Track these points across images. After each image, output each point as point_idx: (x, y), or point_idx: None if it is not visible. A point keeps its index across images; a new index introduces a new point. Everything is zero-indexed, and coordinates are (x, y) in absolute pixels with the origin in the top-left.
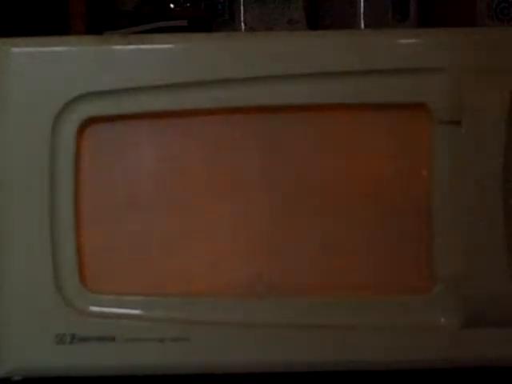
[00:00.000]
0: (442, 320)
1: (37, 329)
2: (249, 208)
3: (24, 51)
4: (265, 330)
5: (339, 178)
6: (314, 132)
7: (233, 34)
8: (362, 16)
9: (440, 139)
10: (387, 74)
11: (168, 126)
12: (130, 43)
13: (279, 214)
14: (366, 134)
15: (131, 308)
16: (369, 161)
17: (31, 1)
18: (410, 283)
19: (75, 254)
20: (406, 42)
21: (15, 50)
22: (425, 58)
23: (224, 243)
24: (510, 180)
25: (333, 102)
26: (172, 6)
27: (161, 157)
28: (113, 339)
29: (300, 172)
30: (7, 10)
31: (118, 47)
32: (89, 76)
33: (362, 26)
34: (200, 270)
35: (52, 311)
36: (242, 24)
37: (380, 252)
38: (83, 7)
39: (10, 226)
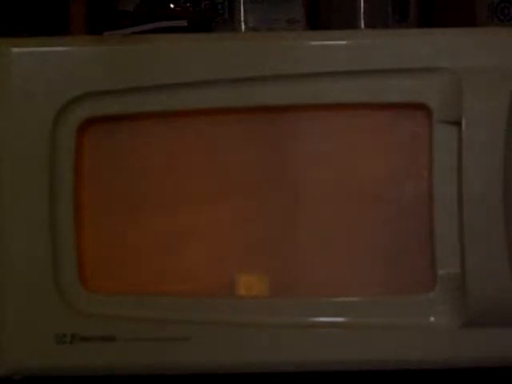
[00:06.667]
0: (442, 320)
1: (37, 329)
2: (249, 208)
3: (24, 51)
4: (265, 330)
5: (339, 178)
6: (315, 132)
7: (233, 34)
8: (362, 16)
9: (440, 139)
10: (387, 74)
11: (168, 125)
12: (129, 43)
13: (279, 213)
14: (366, 134)
15: (131, 308)
16: (369, 161)
17: (31, 1)
18: (410, 283)
19: (75, 254)
20: (406, 42)
21: (15, 50)
22: (425, 57)
23: (224, 243)
24: (510, 180)
25: (333, 102)
26: (172, 5)
27: (160, 157)
28: (113, 339)
29: (300, 172)
30: (7, 10)
31: (118, 47)
32: (89, 76)
33: (362, 26)
34: (200, 269)
35: (52, 311)
36: (242, 24)
37: (380, 252)
38: (83, 7)
39: (10, 225)
